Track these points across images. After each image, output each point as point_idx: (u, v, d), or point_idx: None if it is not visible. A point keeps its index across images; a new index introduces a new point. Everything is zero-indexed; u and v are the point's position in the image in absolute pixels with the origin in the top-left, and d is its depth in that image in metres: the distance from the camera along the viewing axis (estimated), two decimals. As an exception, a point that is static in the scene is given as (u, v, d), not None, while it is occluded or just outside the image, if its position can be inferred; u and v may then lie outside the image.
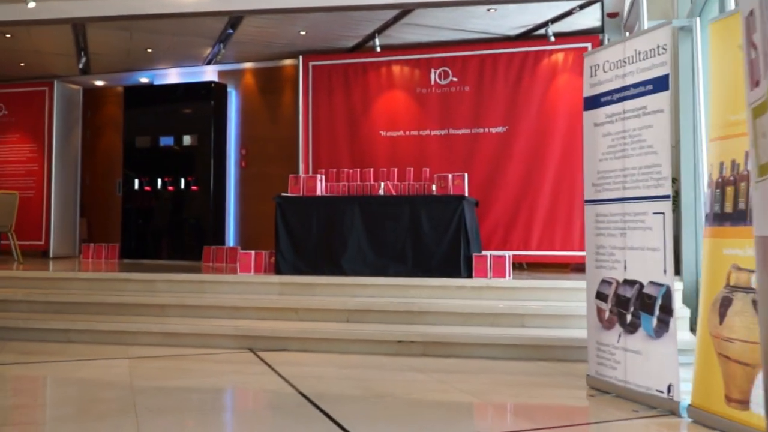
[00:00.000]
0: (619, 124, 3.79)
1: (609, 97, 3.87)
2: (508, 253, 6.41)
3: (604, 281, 3.93)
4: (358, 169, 7.03)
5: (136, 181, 9.44)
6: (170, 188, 9.27)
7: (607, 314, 3.92)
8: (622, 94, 3.77)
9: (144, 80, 9.86)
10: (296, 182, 6.80)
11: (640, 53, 3.64)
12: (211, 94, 9.17)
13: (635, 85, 3.68)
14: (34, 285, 6.67)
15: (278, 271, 6.52)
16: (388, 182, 6.79)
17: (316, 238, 6.54)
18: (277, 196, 6.66)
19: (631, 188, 3.69)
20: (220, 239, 9.28)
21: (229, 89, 9.51)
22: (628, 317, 3.73)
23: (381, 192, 6.72)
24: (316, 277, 6.32)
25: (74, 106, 10.32)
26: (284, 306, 5.82)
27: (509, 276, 6.26)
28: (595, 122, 4.00)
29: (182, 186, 9.20)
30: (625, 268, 3.75)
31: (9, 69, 9.59)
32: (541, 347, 5.04)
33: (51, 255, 9.76)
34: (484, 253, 6.53)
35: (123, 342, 5.46)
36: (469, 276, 6.27)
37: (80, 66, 8.71)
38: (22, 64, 9.27)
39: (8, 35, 7.83)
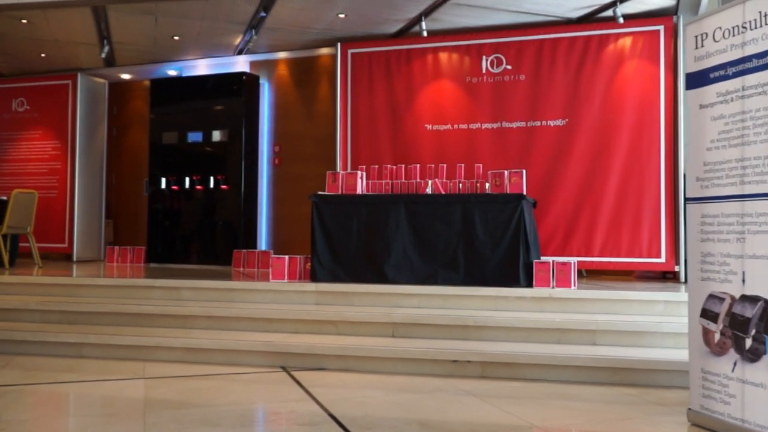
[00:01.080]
0: (736, 104, 3.13)
1: (722, 72, 3.21)
2: (573, 260, 5.75)
3: (712, 297, 3.26)
4: (403, 166, 6.44)
5: (163, 180, 8.98)
6: (199, 188, 8.79)
7: (717, 337, 3.25)
8: (740, 67, 3.11)
9: (172, 73, 9.41)
10: (334, 179, 6.23)
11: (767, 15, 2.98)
12: (243, 87, 8.68)
13: (760, 55, 3.01)
14: (50, 292, 6.22)
15: (314, 277, 5.96)
16: (436, 180, 6.18)
17: (357, 242, 5.96)
18: (313, 194, 6.10)
19: (754, 182, 3.03)
20: (252, 242, 8.77)
21: (261, 81, 9.01)
22: (748, 342, 3.06)
23: (428, 190, 6.11)
24: (357, 285, 5.74)
25: (99, 101, 9.93)
26: (321, 318, 5.25)
27: (574, 285, 5.60)
28: (701, 103, 3.34)
29: (211, 185, 8.72)
30: (743, 281, 3.08)
31: (30, 61, 9.23)
32: (618, 370, 4.38)
33: (74, 259, 9.37)
34: (545, 259, 5.88)
35: (140, 357, 4.94)
36: (530, 285, 5.63)
37: (103, 55, 8.28)
38: (42, 55, 8.90)
39: (24, 20, 7.43)
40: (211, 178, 8.70)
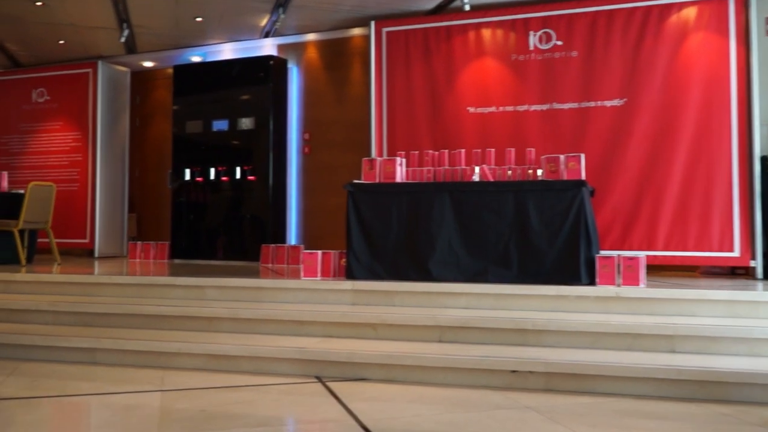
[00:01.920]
0: None
1: None
2: (641, 254, 5.11)
3: None
4: (446, 151, 5.85)
5: (188, 172, 8.50)
6: (225, 179, 8.30)
7: None
8: None
9: (196, 59, 8.93)
10: (371, 167, 5.66)
11: None
12: (270, 71, 8.15)
13: None
14: (64, 291, 5.76)
15: (350, 275, 5.42)
16: (483, 166, 5.58)
17: (397, 235, 5.39)
18: (348, 183, 5.54)
19: None
20: (281, 236, 8.25)
21: (289, 65, 8.47)
22: None
23: (476, 178, 5.52)
24: (397, 283, 5.17)
25: (121, 90, 9.48)
26: (359, 320, 4.70)
27: (643, 283, 4.96)
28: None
29: (238, 176, 8.22)
30: None
31: (48, 48, 8.83)
32: (706, 383, 3.76)
33: (96, 255, 8.95)
34: (609, 253, 5.25)
35: (158, 365, 4.44)
36: (592, 283, 5.01)
37: (122, 40, 7.82)
38: (61, 42, 8.48)
39: (39, 2, 6.98)
40: (238, 169, 8.20)
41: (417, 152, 6.01)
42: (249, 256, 7.96)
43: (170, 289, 5.52)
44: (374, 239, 5.43)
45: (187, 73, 8.62)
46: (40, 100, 9.50)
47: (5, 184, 7.56)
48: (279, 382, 4.08)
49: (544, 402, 3.66)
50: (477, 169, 5.52)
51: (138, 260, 8.34)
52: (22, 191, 7.35)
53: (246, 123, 8.21)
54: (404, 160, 5.77)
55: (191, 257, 8.33)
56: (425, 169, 5.78)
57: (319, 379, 4.14)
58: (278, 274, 6.23)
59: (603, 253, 5.47)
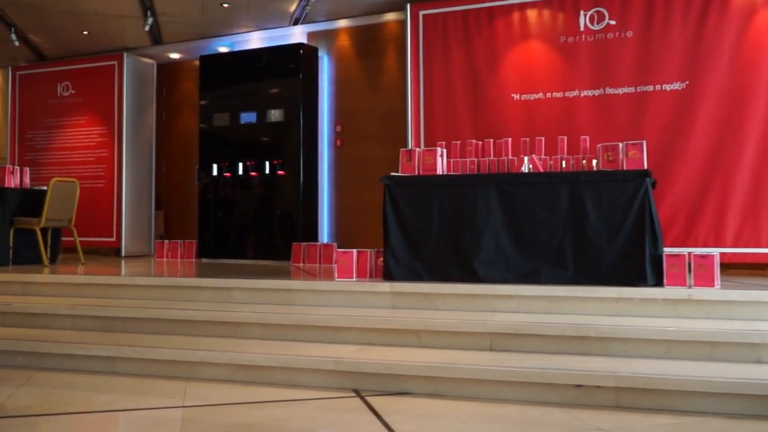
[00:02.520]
0: None
1: None
2: (715, 251, 4.59)
3: None
4: (491, 140, 5.38)
5: (215, 167, 8.15)
6: (253, 174, 7.93)
7: None
8: None
9: (223, 50, 8.57)
10: (409, 158, 5.22)
11: None
12: (300, 60, 7.75)
13: None
14: (85, 293, 5.44)
15: (388, 275, 4.98)
16: (533, 156, 5.11)
17: (439, 232, 4.94)
18: (385, 177, 5.11)
19: None
20: (312, 234, 7.86)
21: (320, 54, 8.07)
22: None
23: (524, 169, 5.04)
24: (440, 284, 4.73)
25: (147, 83, 9.19)
26: (400, 326, 4.26)
27: (718, 284, 4.45)
28: None
29: (267, 171, 7.84)
30: None
31: (73, 40, 8.56)
32: (807, 401, 3.25)
33: (123, 254, 8.67)
34: (675, 250, 4.74)
35: (181, 375, 4.06)
36: (659, 284, 4.51)
37: (146, 28, 7.49)
38: (85, 33, 8.19)
39: (59, -10, 6.69)
40: (267, 163, 7.82)
41: (458, 142, 5.56)
42: (279, 255, 7.59)
43: (195, 291, 5.15)
44: (414, 236, 4.99)
45: (213, 63, 8.27)
46: (65, 94, 9.25)
47: (27, 180, 7.29)
48: (313, 397, 3.66)
49: (618, 422, 3.19)
50: (526, 159, 5.04)
51: (165, 260, 8.03)
52: (44, 188, 7.06)
53: (275, 115, 7.83)
54: (445, 151, 5.32)
55: (219, 256, 7.98)
56: (468, 160, 5.33)
57: (357, 393, 3.72)
58: (310, 275, 5.83)
59: (668, 250, 4.96)
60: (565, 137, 5.32)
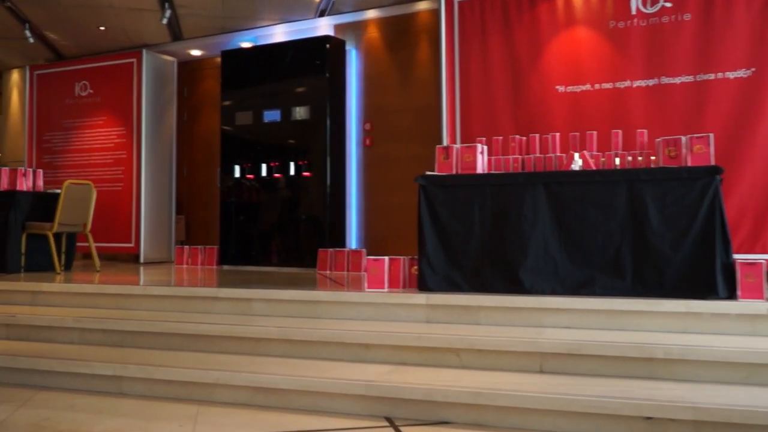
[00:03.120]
0: None
1: None
2: (797, 260, 4.09)
3: None
4: (536, 135, 4.93)
5: (237, 169, 7.80)
6: (277, 176, 7.56)
7: None
8: None
9: (246, 45, 8.23)
10: (446, 156, 4.79)
11: None
12: (326, 55, 7.36)
13: None
14: (94, 303, 5.11)
15: (423, 286, 4.56)
16: (584, 152, 4.64)
17: (480, 237, 4.51)
18: (421, 176, 4.69)
19: None
20: (340, 239, 7.47)
21: (348, 47, 7.68)
22: None
23: (575, 166, 4.58)
24: (482, 296, 4.29)
25: (167, 82, 8.89)
26: (437, 344, 3.83)
27: (801, 297, 3.94)
28: None
29: (292, 172, 7.47)
30: None
31: (90, 36, 8.32)
32: None
33: (141, 260, 8.37)
34: (753, 257, 4.24)
35: (193, 398, 3.69)
36: (732, 297, 4.01)
37: (164, 21, 7.19)
38: (101, 28, 7.92)
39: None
40: (292, 164, 7.45)
41: (500, 138, 5.12)
42: (305, 261, 7.20)
43: (212, 303, 4.79)
44: (452, 242, 4.56)
45: (235, 59, 7.93)
46: (83, 93, 9.00)
47: (41, 183, 7.02)
48: (341, 426, 3.26)
49: (696, 463, 2.73)
50: (577, 155, 4.58)
51: (185, 266, 7.71)
52: (58, 191, 6.77)
53: (300, 113, 7.46)
54: (485, 148, 4.88)
55: (242, 263, 7.63)
56: (511, 157, 4.89)
57: (391, 422, 3.30)
58: (337, 284, 5.43)
59: (740, 257, 4.46)
60: (620, 131, 4.84)
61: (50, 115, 9.25)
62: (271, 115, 7.59)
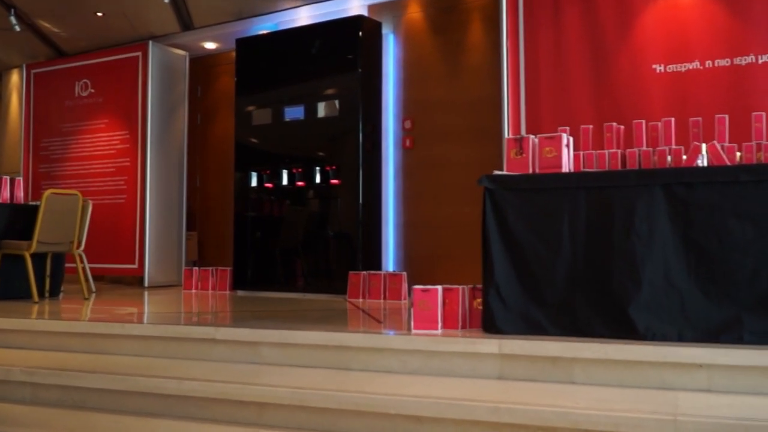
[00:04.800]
0: None
1: None
2: None
3: None
4: (642, 122, 3.75)
5: (254, 176, 6.72)
6: (300, 184, 6.45)
7: None
8: None
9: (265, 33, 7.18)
10: (520, 150, 3.62)
11: None
12: (359, 40, 6.25)
13: None
14: (61, 345, 4.05)
15: (492, 326, 3.38)
16: (714, 143, 3.43)
17: (571, 260, 3.32)
18: (486, 177, 3.51)
19: None
20: (374, 260, 6.29)
21: (384, 31, 6.56)
22: None
23: (702, 162, 3.37)
24: (576, 342, 3.10)
25: (178, 79, 7.88)
26: (522, 419, 2.65)
27: None
28: None
29: (317, 180, 6.34)
30: None
31: (87, 25, 7.42)
32: None
33: (146, 284, 7.31)
34: None
35: (163, 506, 2.56)
36: None
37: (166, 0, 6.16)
38: (99, 14, 6.96)
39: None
40: (317, 170, 6.33)
41: (590, 127, 3.94)
42: (333, 286, 6.06)
43: (209, 347, 3.68)
44: (531, 266, 3.38)
45: (252, 47, 6.87)
46: (84, 93, 8.05)
47: (20, 193, 6.03)
48: None
49: None
50: (704, 147, 3.37)
51: (193, 292, 6.65)
52: (37, 202, 5.77)
53: (327, 109, 6.35)
54: (572, 139, 3.70)
55: (259, 287, 6.52)
56: (607, 152, 3.70)
57: None
58: (372, 320, 4.27)
59: None
60: (763, 114, 3.62)
61: (49, 119, 8.32)
62: (293, 113, 6.48)
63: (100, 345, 3.94)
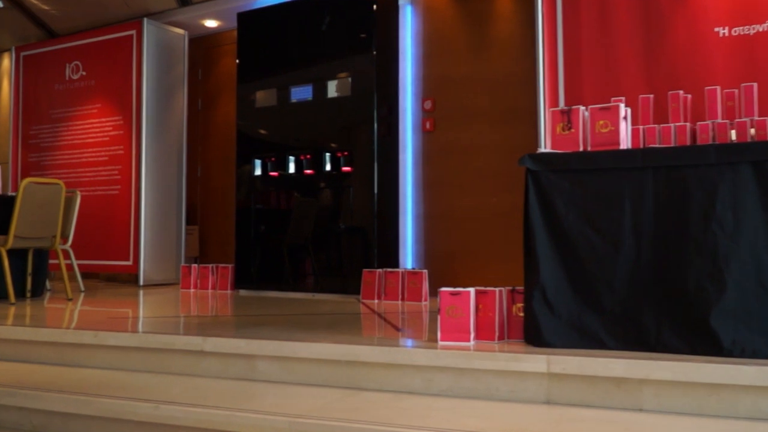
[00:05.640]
0: None
1: None
2: None
3: None
4: (717, 88, 3.15)
5: (257, 164, 6.17)
6: (308, 172, 5.89)
7: None
8: None
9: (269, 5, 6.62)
10: (567, 124, 3.03)
11: None
12: (373, 12, 5.67)
13: None
14: (27, 356, 3.52)
15: (537, 338, 2.81)
16: (808, 113, 2.83)
17: (635, 256, 2.73)
18: (528, 156, 2.92)
19: None
20: (391, 256, 5.73)
21: (401, 2, 5.97)
22: None
23: (797, 136, 2.77)
24: (643, 358, 2.52)
25: (176, 60, 7.34)
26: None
27: None
28: None
29: (327, 167, 5.78)
30: None
31: (80, 4, 6.91)
32: None
33: (141, 282, 6.78)
34: None
35: None
36: None
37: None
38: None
39: None
40: (327, 157, 5.77)
41: (651, 96, 3.34)
42: (346, 285, 5.51)
43: (196, 360, 3.13)
44: (585, 265, 2.79)
45: (255, 21, 6.31)
46: (75, 76, 7.53)
47: (-2, 183, 5.53)
48: None
49: None
50: (799, 117, 2.77)
51: (192, 291, 6.15)
52: (14, 193, 5.26)
53: (339, 88, 5.78)
54: (629, 110, 3.10)
55: (263, 287, 5.98)
56: (673, 125, 3.11)
57: None
58: (389, 326, 3.71)
59: None
60: None
61: (38, 104, 7.81)
62: (301, 93, 5.92)
63: (69, 356, 3.41)
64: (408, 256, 5.86)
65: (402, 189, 5.87)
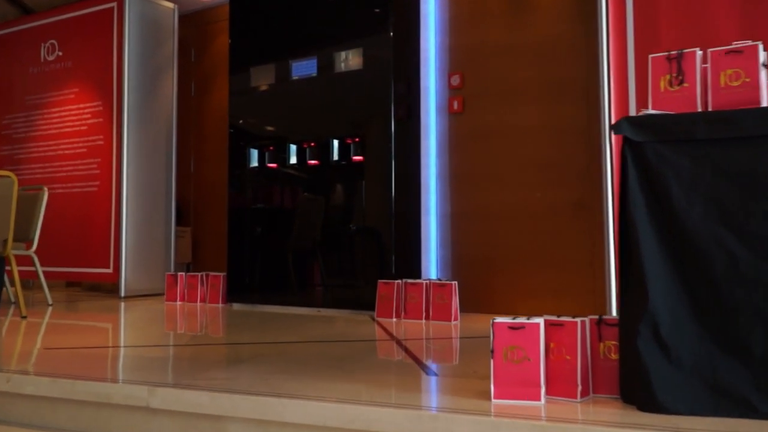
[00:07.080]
0: None
1: None
2: None
3: None
4: None
5: (254, 154, 5.23)
6: (312, 163, 4.93)
7: None
8: None
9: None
10: (678, 76, 2.05)
11: None
12: (389, -31, 4.73)
13: None
14: None
15: (645, 395, 1.82)
16: None
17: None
18: (626, 120, 1.94)
19: None
20: (412, 263, 4.76)
21: (422, -42, 5.03)
22: None
23: None
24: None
25: (164, 38, 6.41)
26: None
27: None
28: None
29: (335, 157, 4.82)
30: None
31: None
32: None
33: (123, 293, 5.87)
34: None
35: None
36: None
37: None
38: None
39: None
40: (335, 144, 4.81)
41: (758, 44, 2.35)
42: (359, 299, 4.56)
43: (141, 419, 2.19)
44: (719, 285, 1.81)
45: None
46: (50, 57, 6.65)
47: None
48: None
49: None
50: None
51: (177, 304, 5.24)
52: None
53: (348, 61, 4.82)
54: (766, 55, 2.13)
55: (260, 300, 5.03)
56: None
57: None
58: (414, 362, 2.74)
59: None
60: None
61: (12, 91, 6.94)
62: (304, 68, 4.96)
63: (-20, 408, 2.48)
64: (432, 264, 4.87)
65: (424, 182, 4.88)
